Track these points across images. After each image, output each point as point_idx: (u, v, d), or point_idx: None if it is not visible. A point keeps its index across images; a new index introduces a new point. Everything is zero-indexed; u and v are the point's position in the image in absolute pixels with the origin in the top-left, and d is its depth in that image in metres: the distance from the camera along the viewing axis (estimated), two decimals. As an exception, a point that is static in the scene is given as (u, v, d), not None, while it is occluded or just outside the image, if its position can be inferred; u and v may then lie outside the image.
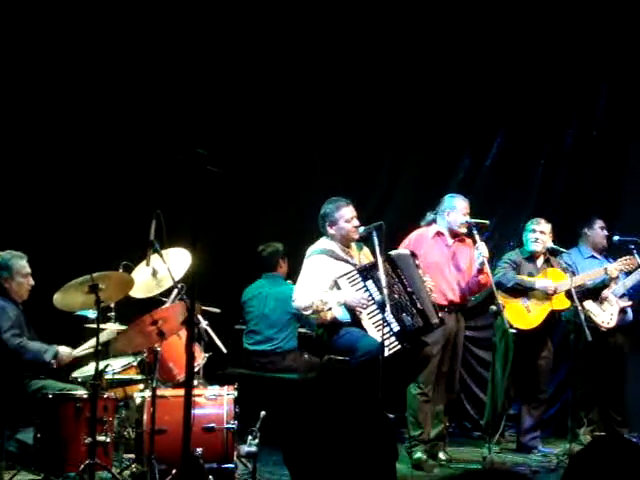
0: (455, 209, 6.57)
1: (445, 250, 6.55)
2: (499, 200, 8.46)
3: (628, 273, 7.18)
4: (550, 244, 7.01)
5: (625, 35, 8.14)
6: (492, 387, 7.07)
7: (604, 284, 7.11)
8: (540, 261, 7.06)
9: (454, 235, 6.62)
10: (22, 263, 5.75)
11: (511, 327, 6.52)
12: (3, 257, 5.71)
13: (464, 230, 6.61)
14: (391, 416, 6.79)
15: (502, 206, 8.44)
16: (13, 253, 5.75)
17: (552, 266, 7.03)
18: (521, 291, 6.90)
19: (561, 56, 8.28)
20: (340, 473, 2.14)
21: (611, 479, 2.09)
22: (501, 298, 6.70)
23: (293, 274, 6.88)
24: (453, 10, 8.16)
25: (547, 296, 6.87)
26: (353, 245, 6.14)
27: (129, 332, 5.21)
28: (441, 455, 6.61)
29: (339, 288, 5.79)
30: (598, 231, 7.41)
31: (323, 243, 6.06)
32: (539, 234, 6.99)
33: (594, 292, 7.12)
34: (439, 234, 6.62)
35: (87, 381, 5.45)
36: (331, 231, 6.04)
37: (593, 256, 7.39)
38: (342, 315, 5.79)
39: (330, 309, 5.75)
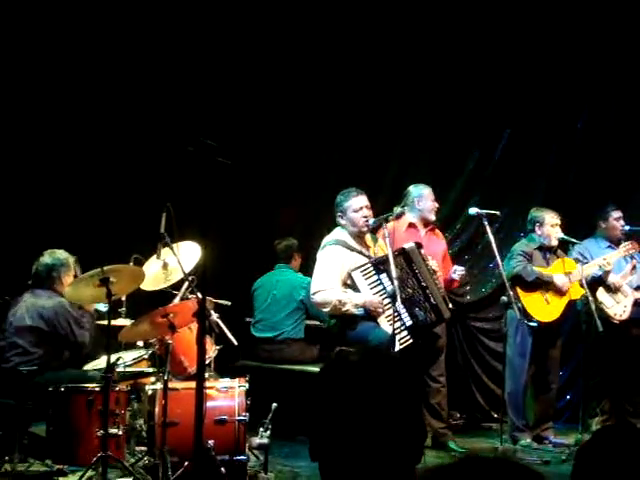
0: (423, 196, 6.72)
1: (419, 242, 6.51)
2: (509, 191, 8.42)
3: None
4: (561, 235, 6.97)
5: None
6: (513, 380, 6.95)
7: (601, 278, 7.03)
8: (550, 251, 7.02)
9: (425, 225, 6.73)
10: (71, 258, 5.94)
11: (530, 320, 6.53)
12: (59, 257, 5.86)
13: (433, 217, 6.75)
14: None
15: (512, 196, 8.40)
16: (61, 251, 5.91)
17: (558, 257, 6.98)
18: (539, 283, 6.84)
19: (573, 46, 8.23)
20: (367, 463, 2.08)
21: (621, 468, 2.08)
22: (519, 291, 6.72)
23: (306, 269, 6.87)
24: (462, 7, 8.15)
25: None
26: (368, 237, 6.13)
27: (140, 324, 5.22)
28: (452, 445, 6.62)
29: (353, 281, 5.79)
30: (613, 223, 7.24)
31: (336, 234, 6.06)
32: (559, 228, 6.95)
33: (604, 282, 7.06)
34: (411, 225, 6.69)
35: (99, 374, 5.46)
36: (342, 221, 6.05)
37: (610, 247, 7.24)
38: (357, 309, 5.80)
39: (347, 310, 5.76)
